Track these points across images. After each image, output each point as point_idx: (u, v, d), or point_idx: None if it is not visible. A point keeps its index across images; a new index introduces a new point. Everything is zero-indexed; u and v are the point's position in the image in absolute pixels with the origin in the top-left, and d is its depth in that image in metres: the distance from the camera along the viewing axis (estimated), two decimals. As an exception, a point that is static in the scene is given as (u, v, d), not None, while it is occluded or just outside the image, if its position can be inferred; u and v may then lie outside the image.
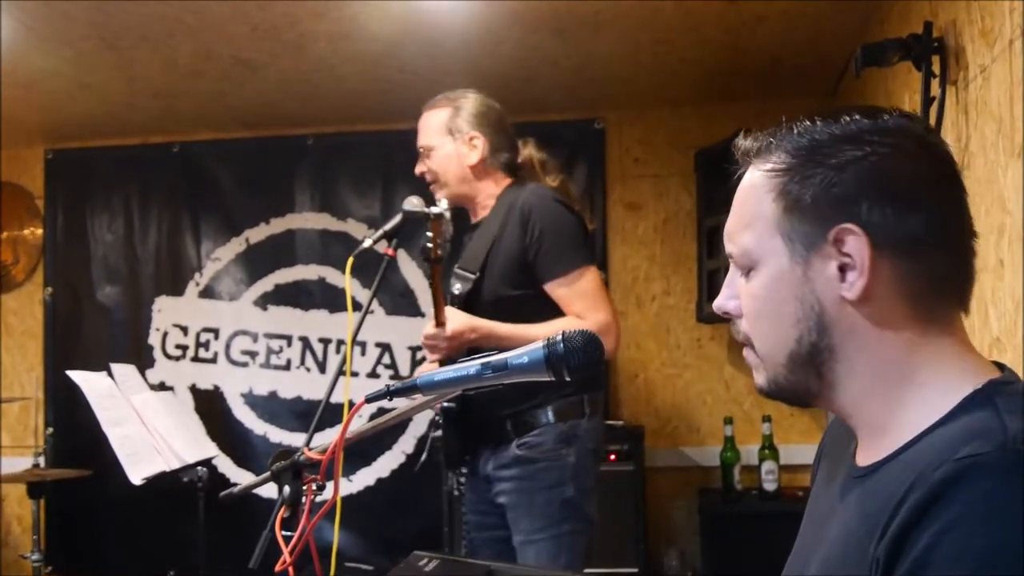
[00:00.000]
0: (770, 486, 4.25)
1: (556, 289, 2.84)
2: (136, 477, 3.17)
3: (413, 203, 3.12)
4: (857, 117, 1.12)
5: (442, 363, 2.92)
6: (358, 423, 2.23)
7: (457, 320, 2.79)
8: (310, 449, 2.18)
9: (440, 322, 2.78)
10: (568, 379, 1.39)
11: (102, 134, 4.96)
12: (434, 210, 2.67)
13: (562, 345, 1.38)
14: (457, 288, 2.91)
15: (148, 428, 3.44)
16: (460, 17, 3.44)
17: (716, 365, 4.63)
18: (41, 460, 4.73)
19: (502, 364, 1.42)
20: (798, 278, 1.12)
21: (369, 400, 1.55)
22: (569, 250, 2.85)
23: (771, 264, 1.14)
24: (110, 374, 3.52)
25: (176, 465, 3.42)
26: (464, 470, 3.08)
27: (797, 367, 1.15)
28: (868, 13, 3.45)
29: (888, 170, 1.09)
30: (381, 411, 2.11)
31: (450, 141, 2.99)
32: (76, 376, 3.41)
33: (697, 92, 4.46)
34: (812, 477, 1.37)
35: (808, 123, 1.13)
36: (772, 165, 1.14)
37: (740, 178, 1.19)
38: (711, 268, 4.39)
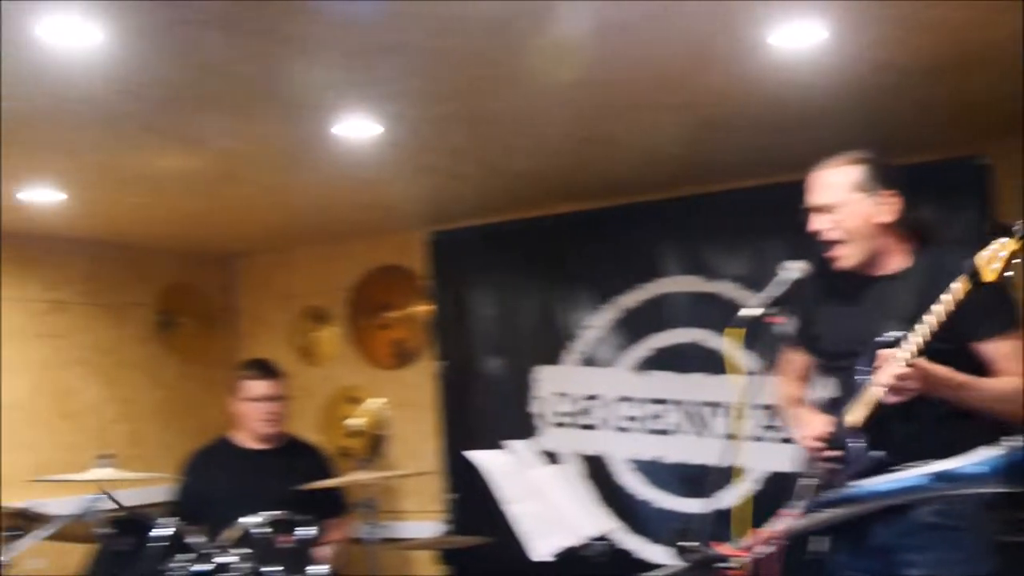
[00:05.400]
0: None
1: (991, 348, 2.77)
2: (538, 553, 3.27)
3: (792, 268, 3.08)
4: None
5: (893, 408, 2.80)
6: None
7: (924, 361, 2.70)
8: (720, 543, 2.14)
9: (911, 363, 2.70)
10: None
11: (475, 214, 5.25)
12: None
13: None
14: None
15: (546, 503, 3.55)
16: (826, 71, 3.33)
17: None
18: (447, 527, 5.02)
19: (958, 474, 1.33)
20: None
21: (806, 508, 1.50)
22: (1007, 312, 2.81)
23: None
24: (506, 450, 3.67)
25: (576, 540, 3.49)
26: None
27: None
28: None
29: None
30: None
31: (861, 199, 2.92)
32: (475, 456, 3.58)
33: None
34: None
35: None
36: None
37: None
38: None
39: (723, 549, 1.89)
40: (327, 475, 4.88)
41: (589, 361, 4.99)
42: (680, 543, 2.58)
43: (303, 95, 3.24)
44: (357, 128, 3.58)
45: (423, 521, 5.43)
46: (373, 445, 5.66)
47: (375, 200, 4.84)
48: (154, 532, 3.89)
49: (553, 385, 5.06)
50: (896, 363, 2.67)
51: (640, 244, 4.88)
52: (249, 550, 3.95)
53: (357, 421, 5.72)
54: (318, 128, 3.57)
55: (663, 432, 4.81)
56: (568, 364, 5.04)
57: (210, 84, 3.09)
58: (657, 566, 4.67)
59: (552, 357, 5.08)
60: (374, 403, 5.70)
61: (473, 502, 5.14)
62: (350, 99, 3.32)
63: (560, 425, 5.03)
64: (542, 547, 3.35)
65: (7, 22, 2.51)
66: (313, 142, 3.75)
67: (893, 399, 2.72)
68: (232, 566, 3.89)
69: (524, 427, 5.04)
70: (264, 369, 4.92)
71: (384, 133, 3.67)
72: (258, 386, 4.85)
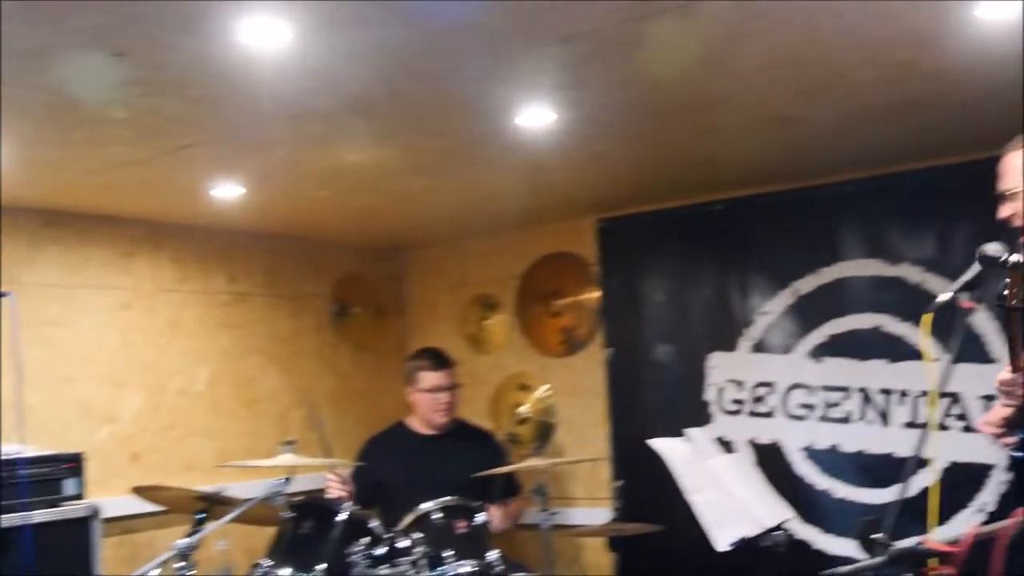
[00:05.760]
0: None
1: None
2: (721, 543, 3.23)
3: (990, 250, 2.94)
4: None
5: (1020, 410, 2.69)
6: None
7: None
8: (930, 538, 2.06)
9: (1017, 368, 2.57)
10: None
11: (646, 200, 5.21)
12: (1014, 258, 2.49)
13: None
14: None
15: (725, 492, 3.50)
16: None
17: None
18: (614, 514, 5.01)
19: None
20: None
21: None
22: None
23: None
24: (684, 438, 3.63)
25: (757, 530, 3.44)
26: None
27: None
28: None
29: None
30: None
31: None
32: (656, 444, 3.55)
33: None
34: None
35: None
36: None
37: None
38: None
39: (932, 544, 1.81)
40: (500, 460, 4.93)
41: (764, 348, 4.89)
42: (872, 536, 2.49)
43: (485, 87, 3.26)
44: (534, 117, 3.59)
45: (591, 508, 5.43)
46: (541, 432, 5.69)
47: (547, 188, 4.85)
48: (335, 517, 3.99)
49: (726, 372, 4.98)
50: (1004, 371, 2.56)
51: (820, 227, 4.74)
52: (427, 535, 4.00)
53: (526, 408, 5.76)
54: (498, 118, 3.58)
55: (840, 420, 4.67)
56: (742, 351, 4.95)
57: (395, 79, 3.14)
58: (836, 557, 4.56)
59: (725, 344, 5.00)
60: (542, 390, 5.73)
61: (640, 489, 5.15)
62: (528, 89, 3.33)
63: (733, 413, 4.95)
64: (723, 537, 3.31)
65: (210, 25, 2.61)
66: (494, 132, 3.77)
67: (1005, 403, 2.63)
68: (410, 551, 3.96)
69: (695, 414, 4.97)
70: (438, 360, 5.00)
71: (558, 121, 3.66)
72: (432, 377, 4.94)
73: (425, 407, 4.96)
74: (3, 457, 3.26)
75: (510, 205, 5.23)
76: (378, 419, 5.77)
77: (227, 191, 4.44)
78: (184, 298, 5.18)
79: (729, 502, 3.46)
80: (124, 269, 4.94)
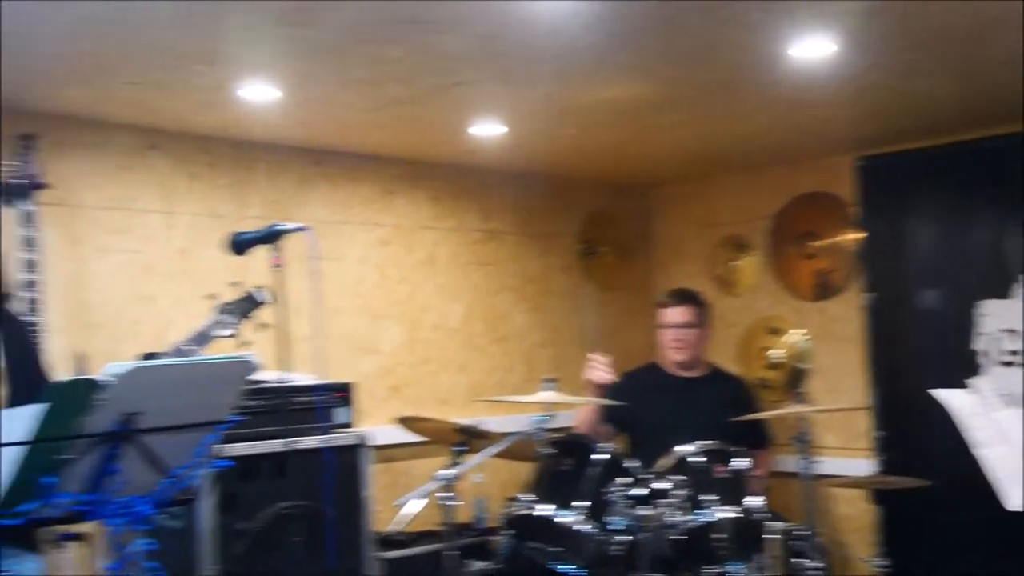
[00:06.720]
0: None
1: None
2: (1014, 501, 3.03)
3: None
4: None
5: None
6: None
7: None
8: None
9: None
10: None
11: (910, 137, 4.93)
12: None
13: None
14: None
15: (1017, 447, 3.28)
16: None
17: None
18: (879, 466, 4.81)
19: None
20: None
21: None
22: None
23: None
24: (971, 389, 3.42)
25: (1050, 489, 3.21)
26: None
27: None
28: None
29: None
30: None
31: None
32: (940, 394, 3.36)
33: None
34: None
35: None
36: None
37: None
38: None
39: None
40: (752, 407, 4.83)
41: (1045, 295, 4.57)
42: None
43: (764, 16, 3.13)
44: (812, 48, 3.44)
45: (843, 458, 5.25)
46: (793, 378, 5.53)
47: (805, 124, 4.64)
48: (594, 455, 3.98)
49: (1000, 321, 4.66)
50: None
51: None
52: (687, 477, 3.95)
53: (778, 353, 5.61)
54: (772, 49, 3.45)
55: None
56: (1018, 299, 4.63)
57: (666, 10, 3.05)
58: None
59: (1000, 291, 4.67)
60: (795, 335, 5.56)
61: (903, 441, 4.93)
62: (811, 17, 3.17)
63: (1008, 364, 4.65)
64: (1016, 495, 3.10)
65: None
66: (764, 64, 3.64)
67: None
68: (669, 492, 3.91)
69: (963, 365, 4.68)
70: (673, 296, 5.00)
71: (837, 52, 3.49)
72: (668, 312, 4.93)
73: (661, 342, 4.96)
74: (285, 384, 3.41)
75: (765, 142, 5.06)
76: (622, 359, 5.73)
77: (488, 129, 4.47)
78: (439, 235, 5.29)
79: (1021, 458, 3.24)
80: (385, 207, 5.08)
